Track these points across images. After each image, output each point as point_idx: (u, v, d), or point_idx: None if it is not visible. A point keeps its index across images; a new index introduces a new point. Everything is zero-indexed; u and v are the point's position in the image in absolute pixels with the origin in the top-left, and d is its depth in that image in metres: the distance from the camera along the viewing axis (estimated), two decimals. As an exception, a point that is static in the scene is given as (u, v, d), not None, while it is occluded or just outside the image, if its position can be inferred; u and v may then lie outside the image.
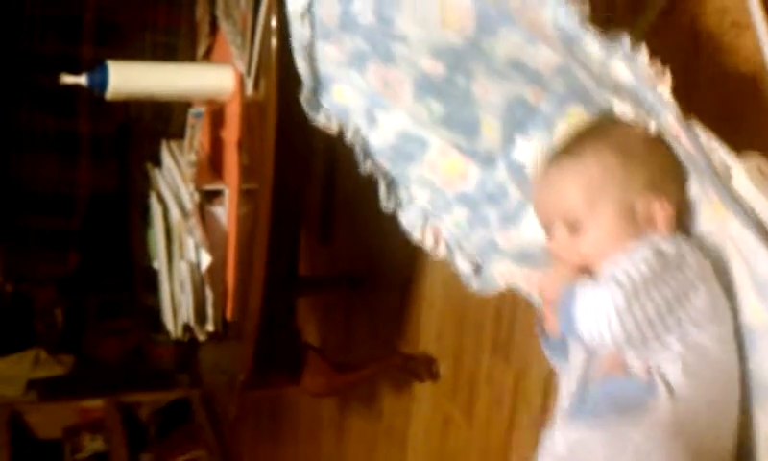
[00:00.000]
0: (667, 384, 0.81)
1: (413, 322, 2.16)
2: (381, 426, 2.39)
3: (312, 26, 1.01)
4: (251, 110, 1.58)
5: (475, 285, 1.12)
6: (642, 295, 0.81)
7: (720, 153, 0.79)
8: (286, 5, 1.00)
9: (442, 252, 1.12)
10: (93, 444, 3.89)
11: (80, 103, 3.59)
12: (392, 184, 1.10)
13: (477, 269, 1.12)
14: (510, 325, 1.72)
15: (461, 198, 1.09)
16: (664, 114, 0.80)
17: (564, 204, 0.92)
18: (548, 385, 1.61)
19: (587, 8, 0.79)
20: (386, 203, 1.09)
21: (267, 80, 1.47)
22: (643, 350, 0.84)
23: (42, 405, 4.06)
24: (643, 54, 0.78)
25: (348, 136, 1.08)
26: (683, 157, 0.87)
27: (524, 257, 1.10)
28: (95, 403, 3.99)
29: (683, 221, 0.92)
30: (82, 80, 1.57)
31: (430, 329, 2.08)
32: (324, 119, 1.08)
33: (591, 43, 0.80)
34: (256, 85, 1.53)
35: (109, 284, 4.10)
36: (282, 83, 1.43)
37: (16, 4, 3.47)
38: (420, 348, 2.12)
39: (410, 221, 1.11)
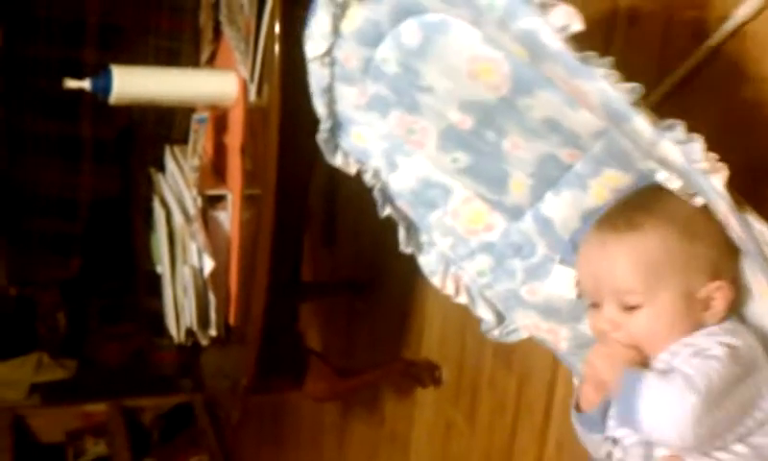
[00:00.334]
0: None
1: (415, 327, 2.16)
2: (384, 432, 2.39)
3: (332, 67, 0.98)
4: (254, 116, 1.58)
5: (497, 335, 1.11)
6: (718, 403, 0.79)
7: None
8: (305, 47, 0.97)
9: (463, 300, 1.10)
10: (96, 448, 3.90)
11: (83, 107, 3.59)
12: (411, 229, 1.08)
13: (500, 318, 1.10)
14: (512, 330, 1.72)
15: (484, 247, 1.07)
16: (714, 200, 0.79)
17: (618, 280, 0.89)
18: (551, 391, 1.61)
19: (638, 88, 0.77)
20: (405, 247, 1.07)
21: (270, 85, 1.47)
22: (708, 450, 0.82)
23: (45, 409, 4.07)
24: (698, 142, 0.77)
25: (367, 178, 1.05)
26: (734, 237, 0.86)
27: (550, 311, 1.08)
28: (98, 407, 3.99)
29: (737, 301, 0.90)
30: (85, 84, 1.57)
31: (433, 335, 2.08)
32: (341, 160, 1.06)
33: (641, 124, 0.79)
34: (259, 91, 1.53)
35: (112, 288, 4.10)
36: (285, 88, 1.44)
37: (20, 7, 3.47)
38: (422, 353, 2.12)
39: (430, 266, 1.09)
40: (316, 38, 0.96)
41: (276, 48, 1.42)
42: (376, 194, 1.05)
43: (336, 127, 1.04)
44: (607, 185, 0.96)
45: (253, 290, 1.64)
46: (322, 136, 1.04)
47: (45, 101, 3.58)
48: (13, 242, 3.89)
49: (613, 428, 0.91)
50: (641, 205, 0.91)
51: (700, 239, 0.87)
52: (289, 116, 1.45)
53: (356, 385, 2.09)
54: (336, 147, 1.05)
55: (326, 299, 2.65)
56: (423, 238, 1.09)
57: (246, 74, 1.57)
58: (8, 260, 3.96)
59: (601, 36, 1.33)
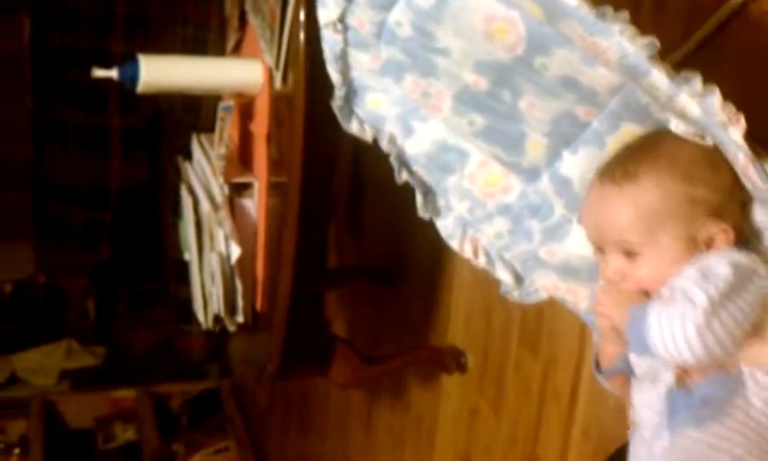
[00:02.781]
0: (755, 380, 0.81)
1: (441, 314, 2.16)
2: (409, 418, 2.40)
3: (345, 33, 0.98)
4: (279, 104, 1.59)
5: (516, 296, 1.10)
6: (720, 311, 0.79)
7: None
8: (317, 12, 0.97)
9: (482, 262, 1.09)
10: (125, 433, 3.95)
11: (111, 96, 3.61)
12: (429, 194, 1.07)
13: (519, 280, 1.10)
14: (538, 316, 1.72)
15: (502, 209, 1.07)
16: (734, 152, 0.79)
17: (620, 230, 0.90)
18: (577, 377, 1.61)
19: (655, 42, 0.77)
20: (423, 212, 1.06)
21: (295, 73, 1.48)
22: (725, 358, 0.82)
23: (75, 395, 4.13)
24: (716, 95, 0.77)
25: (383, 145, 1.05)
26: (748, 186, 0.85)
27: (568, 271, 1.08)
28: (127, 393, 4.05)
29: (745, 243, 0.91)
30: (113, 74, 1.58)
31: (458, 321, 2.08)
32: (356, 127, 1.05)
33: (659, 78, 0.79)
34: (285, 79, 1.54)
35: (141, 276, 4.13)
36: (310, 76, 1.44)
37: (48, -1, 3.50)
38: (447, 340, 2.12)
39: (448, 230, 1.09)
40: (328, 4, 0.96)
41: (302, 36, 1.42)
42: (392, 160, 1.05)
43: (351, 94, 1.04)
44: (624, 141, 0.95)
45: (280, 277, 1.65)
46: (336, 103, 1.04)
47: (73, 91, 3.61)
48: (42, 231, 3.94)
49: (636, 366, 0.92)
50: (641, 152, 0.91)
51: (702, 182, 0.87)
52: (314, 104, 1.45)
53: (382, 372, 2.09)
54: (351, 114, 1.05)
55: (352, 285, 2.65)
56: (441, 203, 1.08)
57: (271, 62, 1.58)
58: (37, 249, 4.01)
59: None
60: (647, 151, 0.91)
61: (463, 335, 2.06)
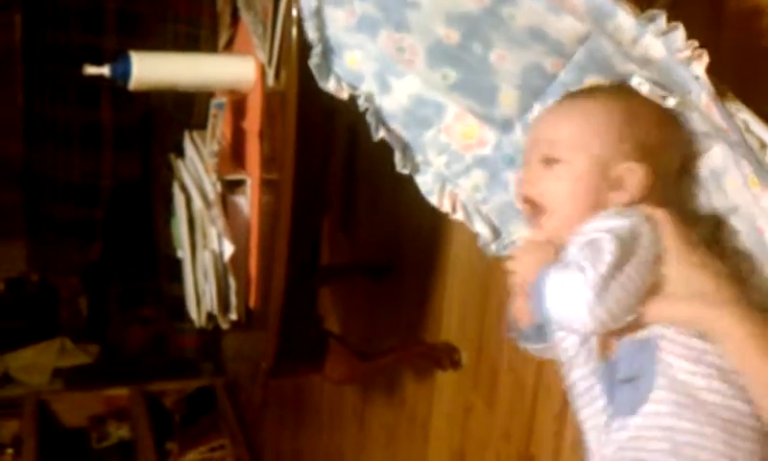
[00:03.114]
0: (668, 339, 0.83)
1: (435, 310, 2.16)
2: (403, 415, 2.40)
3: None
4: (272, 101, 1.58)
5: (493, 249, 1.12)
6: (611, 283, 0.81)
7: (755, 128, 0.79)
8: None
9: (459, 216, 1.11)
10: (119, 432, 3.94)
11: (103, 93, 3.60)
12: (407, 150, 1.09)
13: (496, 233, 1.12)
14: (532, 313, 1.72)
15: (479, 161, 1.09)
16: (696, 91, 0.80)
17: (554, 135, 0.93)
18: (570, 373, 1.61)
19: None
20: (401, 168, 1.08)
21: (288, 70, 1.47)
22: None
23: (68, 394, 4.12)
24: (679, 31, 0.79)
25: (360, 102, 1.06)
26: (710, 130, 0.87)
27: None
28: (120, 392, 4.04)
29: (680, 196, 0.94)
30: (105, 70, 1.58)
31: (452, 318, 2.08)
32: (334, 85, 1.06)
33: (625, 19, 0.80)
34: (277, 76, 1.53)
35: (133, 273, 4.13)
36: (303, 72, 1.43)
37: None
38: (441, 336, 2.12)
39: (427, 186, 1.10)
40: None
41: (294, 32, 1.42)
42: (369, 118, 1.06)
43: (328, 51, 1.05)
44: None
45: (273, 274, 1.65)
46: (313, 61, 1.04)
47: (65, 88, 3.60)
48: (35, 228, 3.93)
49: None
50: (605, 88, 0.95)
51: (641, 126, 0.90)
52: (307, 100, 1.45)
53: (376, 368, 2.09)
54: (329, 72, 1.06)
55: (346, 282, 2.65)
56: (419, 158, 1.09)
57: (264, 58, 1.57)
58: (29, 247, 4.00)
59: None
60: (612, 87, 0.94)
61: (457, 332, 2.06)
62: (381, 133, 1.06)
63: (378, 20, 1.01)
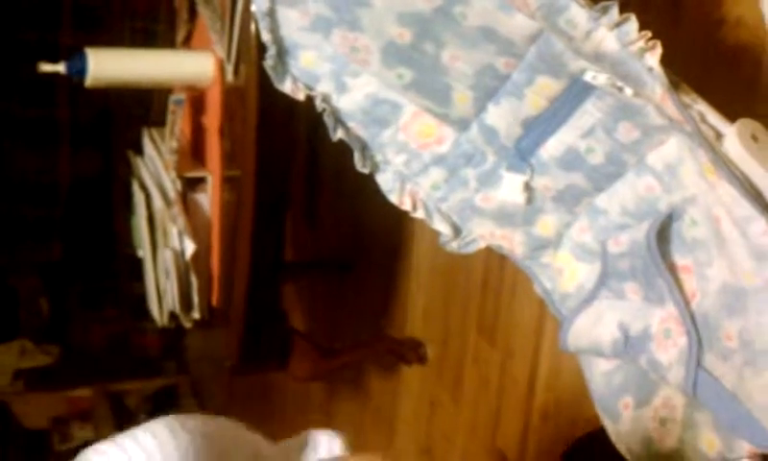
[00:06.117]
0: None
1: (399, 305, 2.16)
2: (369, 409, 2.40)
3: None
4: (231, 96, 1.57)
5: (455, 246, 1.12)
6: None
7: (711, 118, 0.79)
8: None
9: (420, 214, 1.11)
10: (82, 432, 3.90)
11: (59, 90, 3.56)
12: (366, 149, 1.09)
13: (456, 230, 1.12)
14: (495, 307, 1.73)
15: (437, 159, 1.09)
16: (651, 84, 0.80)
17: None
18: (535, 364, 1.62)
19: None
20: (361, 167, 1.08)
21: (247, 65, 1.46)
22: None
23: (29, 395, 4.05)
24: (632, 23, 0.79)
25: (317, 103, 1.06)
26: (665, 123, 0.87)
27: (504, 217, 1.11)
28: (83, 392, 3.99)
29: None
30: (60, 68, 1.55)
31: (416, 313, 2.09)
32: (290, 86, 1.06)
33: (577, 11, 0.80)
34: (236, 71, 1.52)
35: (94, 273, 4.08)
36: (262, 68, 1.42)
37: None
38: (406, 331, 2.12)
39: (387, 184, 1.10)
40: None
41: (253, 27, 1.41)
42: (326, 118, 1.06)
43: (283, 52, 1.04)
44: (541, 93, 0.98)
45: (236, 272, 1.64)
46: (268, 62, 1.04)
47: (21, 85, 3.54)
48: (-8, 228, 3.86)
49: None
50: None
51: None
52: (267, 96, 1.43)
53: (340, 364, 2.09)
54: (285, 73, 1.05)
55: (309, 279, 2.64)
56: (378, 157, 1.10)
57: (222, 54, 1.56)
58: (-13, 247, 3.93)
59: None
60: None
61: (422, 327, 2.06)
62: (339, 134, 1.06)
63: (331, 20, 1.00)
